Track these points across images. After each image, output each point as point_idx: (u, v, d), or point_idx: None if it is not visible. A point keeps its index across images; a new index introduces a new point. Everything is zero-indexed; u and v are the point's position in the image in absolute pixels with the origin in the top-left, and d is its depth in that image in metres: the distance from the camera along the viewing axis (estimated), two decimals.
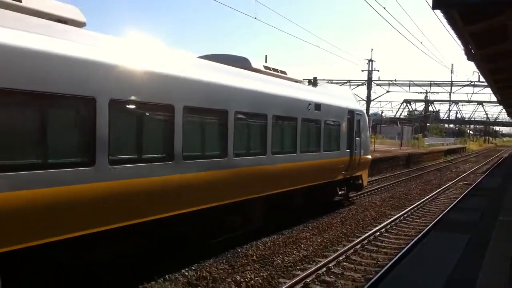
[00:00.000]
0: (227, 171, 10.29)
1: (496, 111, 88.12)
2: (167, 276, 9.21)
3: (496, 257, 9.53)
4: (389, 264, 10.34)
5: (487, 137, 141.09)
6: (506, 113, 72.09)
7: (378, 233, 13.74)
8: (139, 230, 8.33)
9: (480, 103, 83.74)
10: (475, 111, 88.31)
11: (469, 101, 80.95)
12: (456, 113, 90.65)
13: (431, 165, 42.45)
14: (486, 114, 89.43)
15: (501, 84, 22.76)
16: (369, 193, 21.80)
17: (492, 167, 41.57)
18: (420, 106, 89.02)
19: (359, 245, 12.28)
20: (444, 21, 11.47)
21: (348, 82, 73.58)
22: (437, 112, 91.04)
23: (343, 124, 16.22)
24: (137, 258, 9.12)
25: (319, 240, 12.70)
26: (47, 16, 7.29)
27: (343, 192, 17.54)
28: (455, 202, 19.43)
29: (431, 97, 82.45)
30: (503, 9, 11.03)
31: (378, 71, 79.35)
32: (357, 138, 17.34)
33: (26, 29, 6.41)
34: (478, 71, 21.57)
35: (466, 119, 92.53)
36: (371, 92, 59.48)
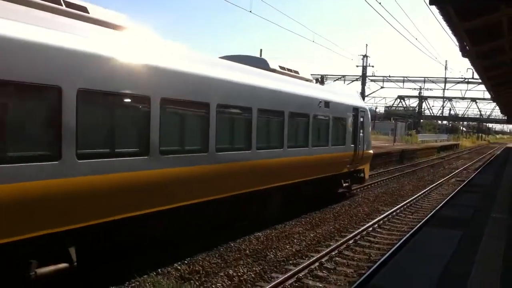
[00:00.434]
0: (251, 162, 11.31)
1: (490, 108, 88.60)
2: (159, 270, 9.20)
3: (489, 253, 9.56)
4: (382, 259, 10.36)
5: (480, 134, 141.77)
6: (499, 111, 72.42)
7: (371, 229, 13.77)
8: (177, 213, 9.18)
9: (473, 100, 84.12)
10: (469, 108, 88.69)
11: (462, 98, 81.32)
12: (450, 109, 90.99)
13: (424, 161, 42.62)
14: (480, 111, 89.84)
15: (495, 81, 22.82)
16: (362, 188, 21.84)
17: (485, 164, 41.75)
18: (414, 102, 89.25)
19: (352, 241, 12.29)
20: (440, 17, 11.48)
21: (343, 77, 73.65)
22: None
23: (349, 120, 17.27)
24: (130, 251, 9.11)
25: (312, 235, 12.71)
26: (107, 24, 8.15)
27: (347, 184, 18.36)
28: (447, 199, 19.50)
29: (425, 93, 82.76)
30: (498, 6, 11.04)
31: (373, 66, 79.38)
32: (360, 134, 18.37)
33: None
34: (472, 68, 21.65)
35: (459, 115, 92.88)
36: (366, 87, 59.59)
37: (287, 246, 11.49)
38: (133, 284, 8.48)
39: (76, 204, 7.04)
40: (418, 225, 14.00)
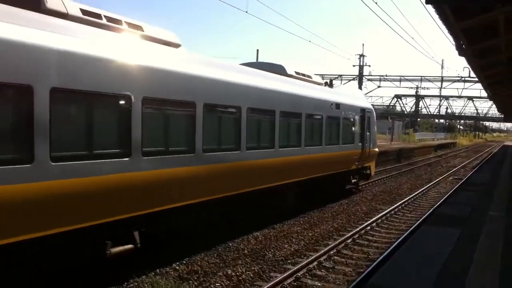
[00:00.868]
0: (274, 159, 12.44)
1: (486, 107, 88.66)
2: (158, 270, 9.19)
3: (487, 251, 9.60)
4: (380, 258, 10.38)
5: (477, 132, 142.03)
6: (496, 109, 72.55)
7: (369, 228, 13.79)
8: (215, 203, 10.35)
9: (470, 98, 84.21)
10: (466, 106, 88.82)
11: (459, 97, 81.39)
12: (447, 108, 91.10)
13: (421, 159, 42.68)
14: (476, 110, 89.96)
15: (492, 79, 22.86)
16: (360, 187, 21.86)
17: (482, 162, 41.85)
18: (410, 101, 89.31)
19: (350, 240, 12.32)
20: (436, 16, 11.50)
21: (340, 77, 73.66)
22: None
23: (357, 120, 18.54)
24: (129, 252, 9.10)
25: (310, 234, 12.73)
26: (159, 40, 9.20)
27: (355, 180, 19.62)
28: (445, 197, 19.54)
29: (421, 92, 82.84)
30: (494, 5, 11.07)
31: (370, 66, 79.38)
32: (367, 133, 19.57)
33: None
34: (469, 67, 21.64)
35: (456, 114, 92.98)
36: (363, 87, 59.64)
37: (286, 246, 11.51)
38: (132, 285, 8.48)
39: (139, 194, 8.17)
40: (416, 224, 14.03)
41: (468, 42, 13.98)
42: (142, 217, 8.35)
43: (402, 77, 75.53)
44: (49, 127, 6.57)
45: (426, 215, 15.53)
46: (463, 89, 75.80)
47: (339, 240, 11.93)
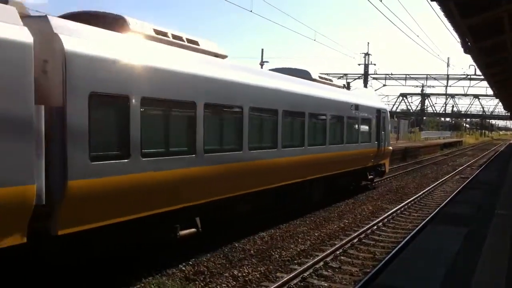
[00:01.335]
0: (304, 156, 13.74)
1: (493, 105, 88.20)
2: (164, 271, 9.20)
3: (494, 250, 9.54)
4: (387, 258, 10.35)
5: (484, 131, 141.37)
6: (502, 107, 72.20)
7: (375, 227, 13.75)
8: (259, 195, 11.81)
9: (476, 96, 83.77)
10: (471, 104, 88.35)
11: (465, 95, 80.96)
12: (453, 106, 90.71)
13: (427, 158, 42.53)
14: (483, 108, 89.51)
15: (498, 77, 22.77)
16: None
17: (489, 160, 41.65)
18: (416, 100, 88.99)
19: (357, 239, 12.28)
20: (441, 14, 11.45)
21: (345, 76, 73.44)
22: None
23: (373, 120, 19.78)
24: (135, 253, 9.19)
25: (316, 234, 12.70)
26: (210, 53, 10.41)
27: (371, 176, 20.82)
28: (452, 196, 19.46)
29: (427, 90, 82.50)
30: (499, 2, 11.01)
31: (375, 64, 79.23)
32: (382, 132, 20.78)
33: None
34: (474, 64, 21.59)
35: (462, 112, 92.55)
36: (368, 85, 59.45)
37: (292, 246, 11.49)
38: (138, 286, 8.49)
39: (200, 186, 9.44)
40: (422, 223, 13.98)
41: (473, 40, 13.92)
42: (202, 205, 9.72)
43: (407, 76, 75.21)
44: (140, 129, 7.89)
45: (433, 214, 15.47)
46: (469, 87, 75.39)
47: (346, 240, 11.90)
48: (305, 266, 9.66)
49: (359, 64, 59.58)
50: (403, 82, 76.13)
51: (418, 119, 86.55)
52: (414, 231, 12.96)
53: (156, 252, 9.61)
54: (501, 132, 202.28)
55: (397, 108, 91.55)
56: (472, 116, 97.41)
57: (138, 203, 8.08)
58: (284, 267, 9.90)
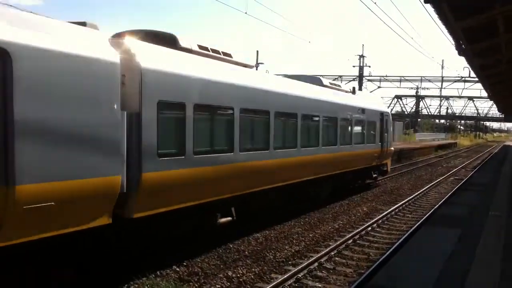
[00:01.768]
0: (319, 155, 15.21)
1: (487, 107, 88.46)
2: (158, 272, 9.19)
3: (488, 251, 9.58)
4: (381, 259, 10.37)
5: (478, 133, 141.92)
6: (496, 109, 72.45)
7: (369, 228, 13.78)
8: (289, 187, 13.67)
9: (470, 98, 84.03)
10: (466, 106, 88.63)
11: (460, 97, 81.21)
12: (447, 108, 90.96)
13: (422, 160, 42.65)
14: (477, 110, 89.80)
15: (492, 79, 22.84)
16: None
17: (483, 162, 41.82)
18: (410, 102, 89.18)
19: (351, 240, 12.30)
20: (435, 16, 11.47)
21: (340, 77, 73.55)
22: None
23: (377, 123, 21.28)
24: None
25: (311, 235, 12.71)
26: (241, 64, 11.84)
27: (375, 175, 22.30)
28: (446, 197, 19.52)
29: (422, 92, 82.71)
30: (493, 4, 11.05)
31: (369, 66, 79.11)
32: (385, 134, 22.21)
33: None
34: (469, 66, 21.66)
35: (457, 114, 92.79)
36: (362, 87, 59.56)
37: (286, 247, 11.49)
38: (132, 287, 8.47)
39: (236, 180, 10.89)
40: (417, 224, 14.01)
41: (467, 42, 13.95)
42: (236, 197, 11.08)
43: (402, 78, 75.41)
44: (192, 130, 9.22)
45: (427, 215, 15.51)
46: (463, 89, 75.62)
47: (340, 241, 11.91)
48: (300, 267, 9.66)
49: (353, 66, 59.79)
50: (397, 84, 76.34)
51: (413, 121, 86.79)
52: (409, 232, 12.99)
53: (150, 254, 9.59)
54: (495, 134, 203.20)
55: (392, 110, 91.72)
56: (467, 118, 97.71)
57: (191, 193, 9.48)
58: (278, 268, 9.90)
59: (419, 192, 21.34)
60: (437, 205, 17.51)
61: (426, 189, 22.62)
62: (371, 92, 74.88)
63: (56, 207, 6.52)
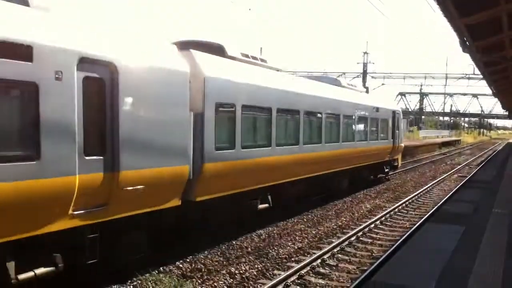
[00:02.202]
0: (340, 151, 16.56)
1: (491, 104, 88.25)
2: (161, 268, 9.21)
3: (491, 248, 9.56)
4: (384, 255, 10.36)
5: (482, 130, 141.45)
6: (500, 106, 72.21)
7: (373, 225, 13.76)
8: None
9: (475, 95, 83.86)
10: (470, 103, 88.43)
11: (464, 94, 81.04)
12: (451, 105, 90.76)
13: (426, 157, 42.54)
14: (481, 107, 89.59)
15: (496, 76, 22.78)
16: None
17: (487, 159, 41.70)
18: (414, 99, 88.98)
19: (354, 237, 12.29)
20: (440, 13, 11.44)
21: (343, 74, 73.47)
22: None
23: (389, 121, 22.76)
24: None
25: (313, 232, 12.71)
26: (273, 68, 13.20)
27: (387, 170, 23.74)
28: (450, 194, 19.47)
29: (426, 89, 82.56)
30: (498, 1, 11.01)
31: (373, 63, 79.17)
32: (396, 131, 23.57)
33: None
34: (473, 63, 21.57)
35: (460, 111, 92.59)
36: (366, 85, 59.44)
37: (289, 244, 11.49)
38: (135, 283, 8.49)
39: (272, 171, 12.26)
40: (420, 221, 13.98)
41: (471, 38, 13.92)
42: (272, 186, 12.53)
43: (406, 75, 75.28)
44: (240, 128, 10.72)
45: (430, 212, 15.48)
46: (467, 86, 75.45)
47: (343, 238, 11.90)
48: (302, 264, 9.66)
49: (357, 63, 59.68)
50: (401, 81, 76.22)
51: (417, 118, 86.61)
52: (412, 229, 12.97)
53: (155, 249, 9.61)
54: (499, 131, 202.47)
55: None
56: (471, 115, 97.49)
57: (238, 182, 10.97)
58: (281, 265, 9.91)
59: (422, 189, 21.29)
60: (441, 202, 17.45)
61: (430, 186, 22.56)
62: (374, 89, 74.80)
63: (144, 190, 7.98)
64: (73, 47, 6.80)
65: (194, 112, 9.29)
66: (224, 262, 9.87)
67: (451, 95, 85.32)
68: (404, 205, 17.31)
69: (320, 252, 10.56)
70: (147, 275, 8.76)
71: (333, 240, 11.89)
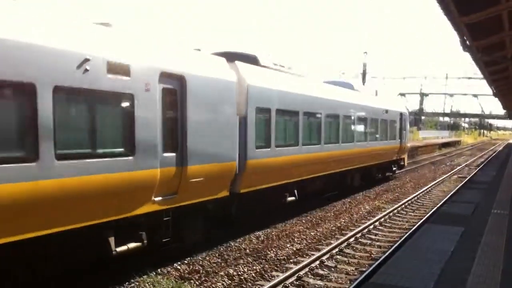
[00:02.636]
0: (354, 150, 18.05)
1: (491, 104, 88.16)
2: (159, 269, 9.15)
3: (490, 249, 9.49)
4: (383, 257, 10.28)
5: (482, 130, 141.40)
6: (501, 106, 72.08)
7: (371, 227, 13.68)
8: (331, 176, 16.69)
9: (475, 96, 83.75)
10: (470, 104, 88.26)
11: (464, 94, 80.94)
12: (451, 106, 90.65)
13: (425, 158, 42.47)
14: (481, 107, 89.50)
15: (497, 76, 22.71)
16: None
17: (487, 160, 41.62)
18: (414, 99, 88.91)
19: (353, 239, 12.21)
20: (440, 12, 11.36)
21: (343, 74, 73.34)
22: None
23: (397, 122, 24.14)
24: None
25: (312, 233, 12.63)
26: (297, 74, 14.36)
27: (394, 168, 25.15)
28: (449, 195, 19.39)
29: (425, 90, 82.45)
30: (498, 0, 10.93)
31: (374, 63, 79.08)
32: (403, 131, 25.02)
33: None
34: (473, 63, 21.49)
35: (461, 112, 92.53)
36: (366, 85, 59.37)
37: (288, 245, 11.42)
38: (133, 285, 8.43)
39: (298, 167, 13.66)
40: (419, 223, 13.91)
41: (472, 38, 13.84)
42: (298, 181, 14.01)
43: (406, 75, 75.09)
44: (275, 129, 12.22)
45: (429, 214, 15.40)
46: (467, 86, 75.30)
47: (342, 239, 11.83)
48: (301, 265, 9.59)
49: (357, 63, 59.56)
50: (401, 81, 76.09)
51: (417, 118, 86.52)
52: (411, 230, 12.90)
53: (154, 251, 9.54)
54: (499, 132, 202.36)
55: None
56: (471, 115, 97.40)
57: (272, 177, 12.37)
58: (279, 266, 9.83)
59: (422, 190, 21.22)
60: (440, 203, 17.37)
61: (429, 187, 22.49)
62: (374, 90, 74.66)
63: (204, 182, 9.47)
64: (156, 65, 8.35)
65: (239, 115, 10.80)
66: (222, 264, 9.80)
67: (451, 95, 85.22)
68: (403, 206, 17.23)
69: (319, 254, 10.49)
70: (145, 276, 8.70)
71: (332, 242, 11.81)
